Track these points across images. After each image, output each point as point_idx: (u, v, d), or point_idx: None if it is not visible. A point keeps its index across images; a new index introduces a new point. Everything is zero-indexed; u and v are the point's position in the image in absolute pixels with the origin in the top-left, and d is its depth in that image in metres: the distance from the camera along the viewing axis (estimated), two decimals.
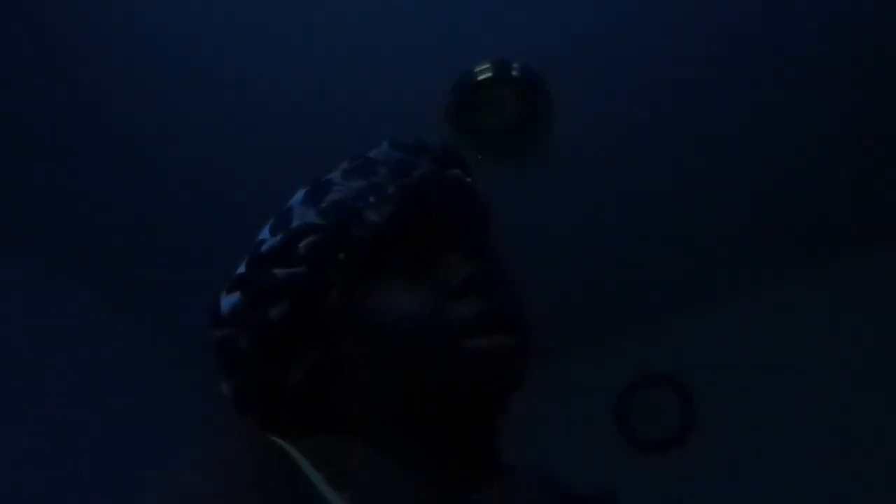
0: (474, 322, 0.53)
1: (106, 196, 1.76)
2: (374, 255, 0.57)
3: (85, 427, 1.86)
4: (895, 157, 1.70)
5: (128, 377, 2.03)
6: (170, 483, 0.45)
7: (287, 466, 0.49)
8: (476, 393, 0.54)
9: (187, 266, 1.96)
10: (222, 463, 0.46)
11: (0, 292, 1.80)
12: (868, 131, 1.64)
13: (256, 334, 0.59)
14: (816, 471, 1.77)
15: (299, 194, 0.65)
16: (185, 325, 2.14)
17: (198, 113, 1.57)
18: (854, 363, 1.84)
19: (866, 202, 1.81)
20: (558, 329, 1.94)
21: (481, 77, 1.50)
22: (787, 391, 1.91)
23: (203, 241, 1.89)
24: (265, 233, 0.64)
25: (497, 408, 0.56)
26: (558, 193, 1.78)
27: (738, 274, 2.04)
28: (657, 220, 1.86)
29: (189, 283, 2.02)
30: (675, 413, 2.03)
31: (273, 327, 0.59)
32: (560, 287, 2.04)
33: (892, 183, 1.76)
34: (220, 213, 1.81)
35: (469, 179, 0.65)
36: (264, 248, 0.61)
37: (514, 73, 1.49)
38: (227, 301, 0.62)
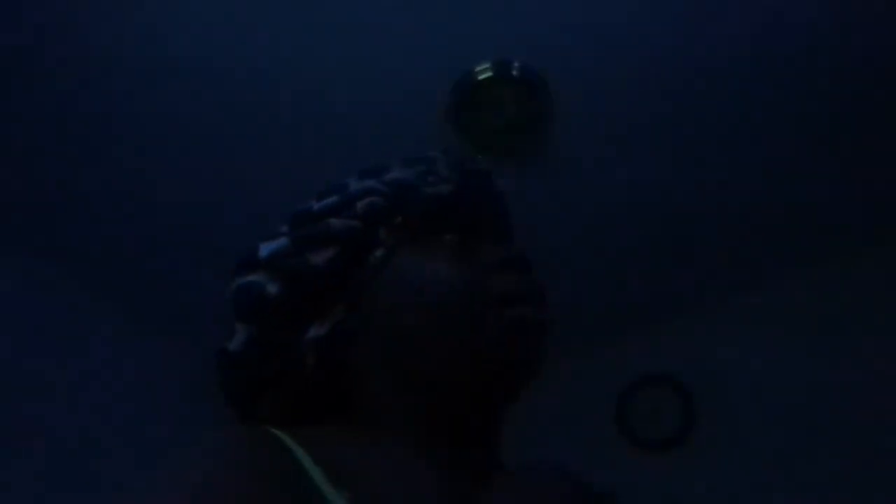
0: (513, 294, 0.57)
1: (106, 196, 1.76)
2: (426, 225, 0.61)
3: (85, 428, 1.86)
4: (894, 156, 1.70)
5: (128, 379, 2.03)
6: (174, 479, 0.44)
7: (287, 462, 0.48)
8: (508, 360, 0.56)
9: (189, 268, 1.97)
10: (225, 458, 0.46)
11: (0, 293, 1.80)
12: (868, 131, 1.64)
13: (290, 280, 0.59)
14: (816, 471, 1.77)
15: (351, 177, 0.67)
16: (187, 326, 2.14)
17: (197, 114, 1.57)
18: (854, 363, 1.84)
19: (866, 202, 1.82)
20: (558, 329, 1.93)
21: (481, 77, 1.50)
22: (786, 391, 1.91)
23: (204, 242, 1.89)
24: (310, 202, 0.64)
25: (523, 379, 0.58)
26: (558, 193, 1.78)
27: (738, 274, 2.04)
28: (657, 219, 1.86)
29: (190, 285, 2.02)
30: (675, 413, 2.03)
31: (311, 274, 0.58)
32: (560, 287, 2.04)
33: (892, 183, 1.76)
34: (220, 214, 1.81)
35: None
36: (318, 205, 0.62)
37: (514, 73, 1.49)
38: (270, 246, 0.61)
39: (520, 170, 1.70)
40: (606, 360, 2.21)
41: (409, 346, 0.57)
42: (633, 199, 1.81)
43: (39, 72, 1.48)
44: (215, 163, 1.69)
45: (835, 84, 1.53)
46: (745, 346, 2.02)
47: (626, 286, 2.08)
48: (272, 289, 0.59)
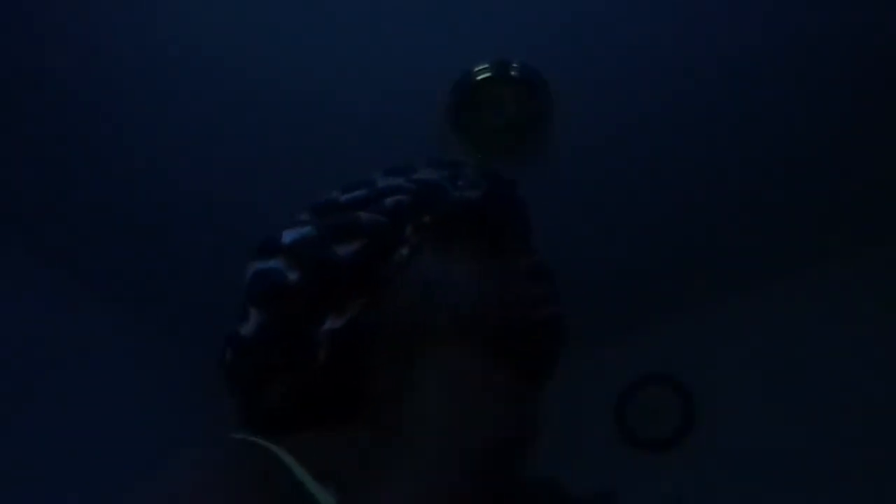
0: (544, 298, 0.60)
1: (106, 197, 1.76)
2: (452, 228, 0.61)
3: (84, 428, 1.86)
4: (894, 156, 1.70)
5: (128, 379, 2.03)
6: (153, 489, 0.44)
7: (272, 467, 0.48)
8: (531, 365, 0.58)
9: (188, 268, 1.97)
10: (208, 467, 0.45)
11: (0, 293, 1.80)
12: (868, 130, 1.64)
13: (312, 269, 0.57)
14: (816, 471, 1.77)
15: (377, 173, 0.67)
16: (185, 326, 2.14)
17: (197, 114, 1.57)
18: (854, 362, 1.84)
19: (866, 202, 1.82)
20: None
21: (481, 77, 1.50)
22: (786, 391, 1.91)
23: (204, 242, 1.89)
24: (334, 194, 0.63)
25: (544, 382, 0.59)
26: (557, 194, 1.78)
27: (738, 274, 2.04)
28: (657, 219, 1.86)
29: (189, 285, 2.02)
30: (675, 413, 2.03)
31: (335, 265, 0.57)
32: (559, 287, 2.04)
33: (892, 182, 1.76)
34: (221, 214, 1.81)
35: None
36: (344, 197, 0.62)
37: (514, 73, 1.49)
38: (295, 232, 0.60)
39: (519, 170, 1.70)
40: (606, 360, 2.21)
41: (427, 347, 0.56)
42: (632, 200, 1.81)
43: (41, 73, 1.48)
44: (215, 163, 1.69)
45: (835, 83, 1.53)
46: (745, 346, 2.02)
47: (625, 286, 2.08)
48: (292, 276, 0.57)
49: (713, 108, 1.59)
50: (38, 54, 1.45)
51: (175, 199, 1.77)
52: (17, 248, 1.85)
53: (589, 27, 1.43)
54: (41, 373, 1.81)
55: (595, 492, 2.02)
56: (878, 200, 1.81)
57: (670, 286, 2.07)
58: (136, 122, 1.59)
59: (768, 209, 1.83)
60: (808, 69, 1.51)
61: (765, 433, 1.89)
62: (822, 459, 1.78)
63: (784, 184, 1.76)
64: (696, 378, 2.05)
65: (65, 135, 1.61)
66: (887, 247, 1.91)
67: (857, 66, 1.50)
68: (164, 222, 1.83)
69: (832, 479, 1.73)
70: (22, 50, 1.44)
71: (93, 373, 1.94)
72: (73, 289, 1.97)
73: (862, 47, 1.46)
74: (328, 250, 0.57)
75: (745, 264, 2.00)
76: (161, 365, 2.13)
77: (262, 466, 0.47)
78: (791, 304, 2.01)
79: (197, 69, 1.49)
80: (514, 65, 1.49)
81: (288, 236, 0.60)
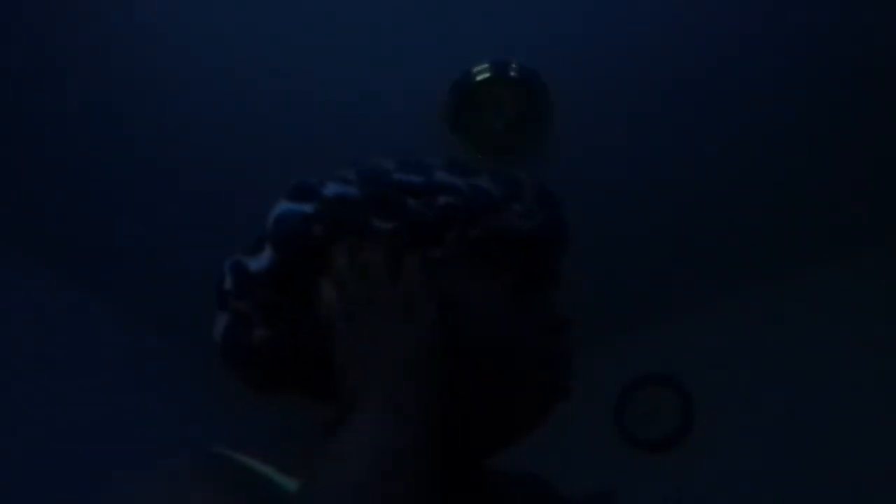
0: (565, 356, 0.59)
1: (105, 197, 1.76)
2: (494, 250, 0.58)
3: (84, 428, 1.86)
4: (894, 156, 1.70)
5: (127, 379, 2.03)
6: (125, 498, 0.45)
7: (241, 475, 0.48)
8: (551, 388, 0.57)
9: (189, 267, 1.97)
10: (172, 475, 0.46)
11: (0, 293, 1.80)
12: (868, 131, 1.64)
13: (343, 230, 0.55)
14: (816, 471, 1.77)
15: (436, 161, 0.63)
16: (184, 325, 2.14)
17: (197, 115, 1.57)
18: (853, 362, 1.84)
19: (865, 202, 1.82)
20: None
21: (480, 77, 1.50)
22: (786, 391, 1.91)
23: (205, 242, 1.89)
24: (388, 165, 0.60)
25: (555, 402, 0.59)
26: (557, 194, 1.78)
27: (738, 274, 2.04)
28: (656, 220, 1.86)
29: (188, 285, 2.02)
30: (674, 413, 2.03)
31: (367, 236, 0.55)
32: (559, 287, 2.04)
33: (892, 183, 1.76)
34: (221, 215, 1.81)
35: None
36: (398, 176, 0.58)
37: (513, 73, 1.49)
38: (339, 187, 0.57)
39: (518, 170, 1.70)
40: (606, 360, 2.20)
41: (427, 360, 0.53)
42: (631, 200, 1.81)
43: (42, 73, 1.48)
44: (215, 163, 1.69)
45: (835, 83, 1.53)
46: (745, 346, 2.02)
47: (625, 286, 2.08)
48: (318, 228, 0.56)
49: (713, 108, 1.59)
50: (38, 54, 1.45)
51: (175, 197, 1.77)
52: (17, 247, 1.85)
53: (588, 28, 1.43)
54: (41, 372, 1.81)
55: (595, 492, 2.02)
56: (878, 200, 1.81)
57: (670, 286, 2.07)
58: (137, 122, 1.59)
59: (768, 209, 1.84)
60: (808, 70, 1.51)
61: (764, 433, 1.89)
62: (821, 459, 1.78)
63: (784, 184, 1.77)
64: (696, 378, 2.05)
65: (64, 135, 1.61)
66: (887, 247, 1.91)
67: (857, 66, 1.50)
68: (164, 222, 1.83)
69: (832, 479, 1.73)
70: (22, 50, 1.44)
71: (92, 373, 1.94)
72: (73, 288, 1.97)
73: (862, 47, 1.46)
74: (366, 220, 0.56)
75: (744, 264, 2.00)
76: (160, 365, 2.13)
77: (227, 469, 0.48)
78: (791, 304, 2.01)
79: (196, 70, 1.49)
80: (514, 65, 1.49)
81: (331, 189, 0.57)
